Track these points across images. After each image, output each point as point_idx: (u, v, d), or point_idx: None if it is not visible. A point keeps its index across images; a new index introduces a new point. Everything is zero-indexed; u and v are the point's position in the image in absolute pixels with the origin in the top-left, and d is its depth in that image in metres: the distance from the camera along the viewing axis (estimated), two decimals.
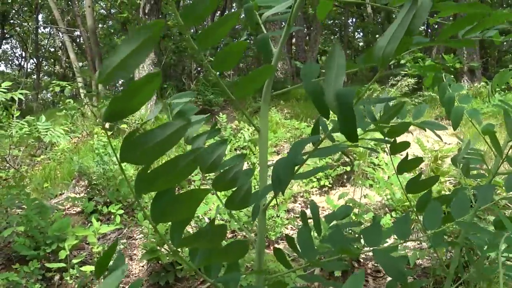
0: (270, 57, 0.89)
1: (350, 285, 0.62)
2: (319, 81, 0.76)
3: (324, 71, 0.70)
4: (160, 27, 0.51)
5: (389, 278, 3.22)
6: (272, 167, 0.74)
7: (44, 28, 22.37)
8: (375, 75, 0.80)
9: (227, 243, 0.65)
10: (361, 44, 21.34)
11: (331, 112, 0.68)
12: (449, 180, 4.52)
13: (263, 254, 0.83)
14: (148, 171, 0.57)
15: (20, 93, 5.42)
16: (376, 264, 3.43)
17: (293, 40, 16.39)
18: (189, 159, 0.55)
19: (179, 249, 0.67)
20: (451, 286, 1.55)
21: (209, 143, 0.95)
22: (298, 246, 0.84)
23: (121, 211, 4.10)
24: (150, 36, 0.51)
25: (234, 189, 0.79)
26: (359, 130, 1.09)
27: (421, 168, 4.81)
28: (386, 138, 1.05)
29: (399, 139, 1.12)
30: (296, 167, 0.75)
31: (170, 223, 0.66)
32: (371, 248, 0.81)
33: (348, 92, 0.63)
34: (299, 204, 4.73)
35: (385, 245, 0.88)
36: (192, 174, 4.84)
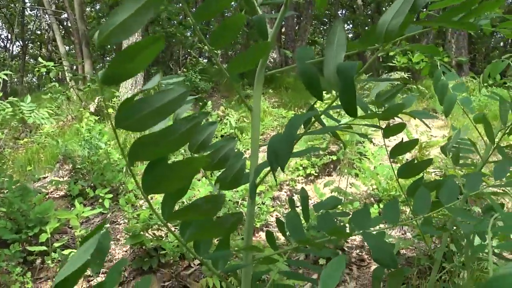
0: (266, 38, 0.86)
1: (330, 269, 0.61)
2: (312, 64, 0.73)
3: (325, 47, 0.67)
4: None
5: (372, 267, 3.24)
6: (266, 145, 0.71)
7: (31, 10, 21.98)
8: (365, 65, 0.78)
9: (219, 217, 0.63)
10: (350, 35, 21.35)
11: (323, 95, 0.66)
12: (435, 171, 4.55)
13: (251, 233, 0.81)
14: (143, 136, 0.55)
15: (5, 74, 5.30)
16: (360, 253, 3.44)
17: (283, 29, 16.33)
18: (185, 128, 0.53)
19: (169, 223, 0.65)
20: (436, 275, 1.55)
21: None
22: (287, 230, 0.81)
23: (110, 195, 4.06)
24: None
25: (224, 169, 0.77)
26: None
27: (406, 159, 4.84)
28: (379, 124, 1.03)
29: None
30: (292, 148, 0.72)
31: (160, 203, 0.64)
32: (361, 231, 0.79)
33: (350, 65, 0.60)
34: (285, 192, 4.72)
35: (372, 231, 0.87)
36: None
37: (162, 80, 1.03)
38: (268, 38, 0.85)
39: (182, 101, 0.51)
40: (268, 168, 0.70)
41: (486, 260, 2.32)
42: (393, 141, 4.67)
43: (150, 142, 0.53)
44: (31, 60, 23.74)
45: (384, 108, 1.06)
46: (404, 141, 1.09)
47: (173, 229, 1.16)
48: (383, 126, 1.11)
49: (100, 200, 4.15)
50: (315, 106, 0.72)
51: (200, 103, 7.08)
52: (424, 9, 0.86)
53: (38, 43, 24.16)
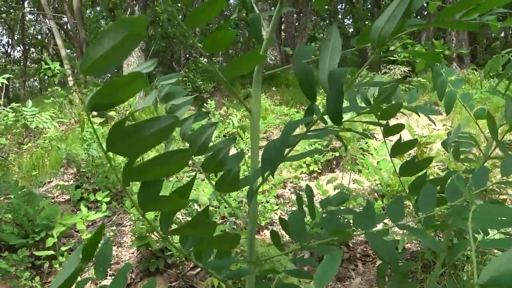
0: (261, 37, 0.87)
1: (325, 266, 0.62)
2: (308, 64, 0.74)
3: (319, 51, 0.68)
4: (143, 23, 0.48)
5: (377, 263, 3.24)
6: (263, 149, 0.72)
7: (31, 14, 22.00)
8: (365, 62, 0.79)
9: (219, 234, 0.64)
10: (351, 30, 21.30)
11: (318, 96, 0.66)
12: (437, 165, 4.54)
13: (254, 237, 0.82)
14: (138, 163, 0.56)
15: (3, 78, 5.31)
16: (365, 249, 3.45)
17: (282, 26, 16.30)
18: (181, 155, 0.54)
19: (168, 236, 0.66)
20: (440, 270, 1.55)
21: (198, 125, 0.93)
22: (290, 228, 0.82)
23: (108, 199, 4.07)
24: (132, 31, 0.47)
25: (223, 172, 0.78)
26: (352, 114, 1.08)
27: (410, 153, 4.84)
28: (380, 121, 1.04)
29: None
30: (288, 150, 0.73)
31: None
32: (363, 231, 0.80)
33: (340, 72, 0.61)
34: (289, 190, 4.73)
35: (375, 229, 0.87)
36: None
37: (159, 80, 1.04)
38: (263, 38, 0.86)
39: (172, 128, 0.51)
40: (266, 174, 0.71)
41: (489, 254, 2.33)
42: (396, 136, 4.65)
43: (140, 169, 0.55)
44: (33, 65, 23.75)
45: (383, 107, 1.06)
46: (403, 140, 1.10)
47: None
48: (384, 124, 1.11)
49: (105, 203, 4.17)
50: (316, 104, 0.72)
51: (201, 102, 7.09)
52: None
53: (39, 47, 24.17)
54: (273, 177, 0.83)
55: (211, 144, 0.88)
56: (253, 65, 0.70)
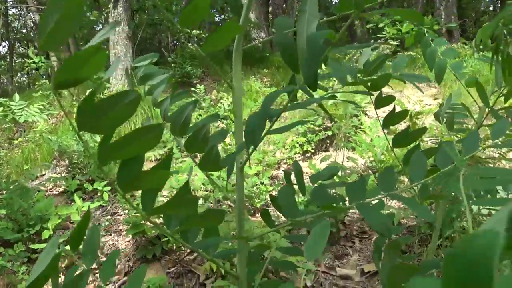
0: (239, 13, 0.84)
1: (314, 237, 0.60)
2: (290, 34, 0.71)
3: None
4: None
5: (374, 239, 3.25)
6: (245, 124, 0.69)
7: (14, 8, 21.65)
8: (354, 40, 0.76)
9: (203, 211, 0.62)
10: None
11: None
12: (431, 139, 4.54)
13: (242, 214, 0.79)
14: (112, 140, 0.53)
15: None
16: (361, 226, 3.45)
17: (270, 9, 16.16)
18: (156, 130, 0.51)
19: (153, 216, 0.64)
20: (437, 242, 1.55)
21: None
22: (279, 204, 0.80)
23: (109, 187, 4.05)
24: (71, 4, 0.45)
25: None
26: (340, 86, 1.05)
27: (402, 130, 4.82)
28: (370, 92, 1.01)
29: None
30: (273, 121, 0.71)
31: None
32: (355, 203, 0.78)
33: (317, 35, 0.58)
34: (283, 170, 4.71)
35: (370, 203, 0.85)
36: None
37: (135, 62, 1.01)
38: (242, 3, 0.82)
39: (137, 103, 0.49)
40: (250, 151, 0.68)
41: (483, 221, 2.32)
42: (387, 113, 4.63)
43: (115, 147, 0.52)
44: (20, 60, 23.45)
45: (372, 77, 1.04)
46: (395, 111, 1.08)
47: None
48: (374, 98, 1.09)
49: (99, 194, 4.15)
50: (297, 71, 0.70)
51: (192, 88, 7.04)
52: None
53: (25, 41, 23.84)
54: (255, 149, 0.82)
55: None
56: (231, 36, 0.67)
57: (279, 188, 4.00)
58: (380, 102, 1.11)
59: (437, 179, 0.74)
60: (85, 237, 0.76)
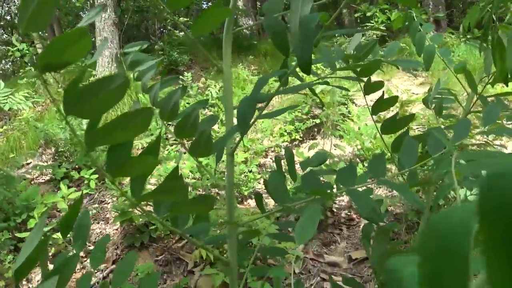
0: None
1: (305, 221, 0.60)
2: (279, 18, 0.70)
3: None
4: None
5: (362, 226, 3.28)
6: (237, 109, 0.68)
7: None
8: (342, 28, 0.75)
9: (193, 197, 0.61)
10: None
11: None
12: (418, 128, 4.56)
13: (232, 199, 0.79)
14: (99, 125, 0.52)
15: None
16: (349, 213, 3.47)
17: None
18: (145, 114, 0.50)
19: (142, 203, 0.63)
20: None
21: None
22: (269, 189, 0.80)
23: (96, 175, 4.02)
24: None
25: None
26: (329, 71, 1.04)
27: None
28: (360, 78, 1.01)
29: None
30: (264, 105, 0.70)
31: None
32: (345, 189, 0.78)
33: (311, 17, 0.57)
34: (270, 158, 4.72)
35: (358, 189, 0.85)
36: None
37: (125, 48, 0.99)
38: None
39: (126, 87, 0.48)
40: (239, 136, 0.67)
41: None
42: (376, 97, 4.64)
43: (103, 132, 0.51)
44: (3, 47, 23.07)
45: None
46: (384, 97, 1.07)
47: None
48: (363, 84, 1.09)
49: (86, 182, 4.11)
50: (288, 55, 0.68)
51: (180, 76, 6.98)
52: None
53: (9, 28, 23.43)
54: (245, 133, 0.82)
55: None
56: (221, 18, 0.66)
57: (266, 176, 4.00)
58: (370, 87, 1.10)
59: (431, 165, 0.74)
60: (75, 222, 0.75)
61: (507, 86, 0.92)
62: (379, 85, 1.10)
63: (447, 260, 0.20)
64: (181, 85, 0.91)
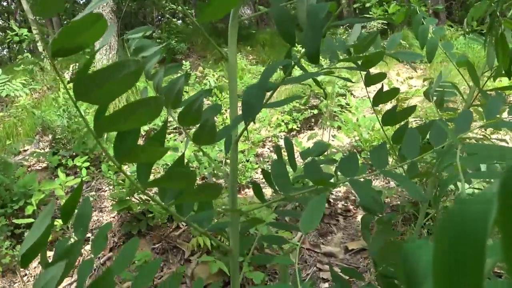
0: None
1: (310, 212, 0.60)
2: (286, 6, 0.70)
3: None
4: None
5: (358, 217, 3.29)
6: (242, 96, 0.69)
7: None
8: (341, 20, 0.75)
9: (199, 184, 0.61)
10: None
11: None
12: (415, 120, 4.58)
13: (235, 188, 0.79)
14: (108, 113, 0.52)
15: None
16: (345, 204, 3.49)
17: None
18: (156, 103, 0.50)
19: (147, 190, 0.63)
20: (423, 220, 1.57)
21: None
22: (272, 178, 0.80)
23: (87, 164, 4.02)
24: None
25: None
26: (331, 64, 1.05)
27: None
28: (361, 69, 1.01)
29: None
30: (268, 95, 0.70)
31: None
32: (347, 179, 0.79)
33: (320, 7, 0.58)
34: (268, 148, 4.73)
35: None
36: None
37: (129, 34, 0.99)
38: None
39: (139, 74, 0.48)
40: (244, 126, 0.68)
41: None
42: (374, 93, 4.65)
43: (112, 119, 0.51)
44: (0, 33, 22.86)
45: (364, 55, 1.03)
46: (385, 89, 1.07)
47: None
48: (364, 76, 1.09)
49: (79, 169, 4.12)
50: (292, 52, 0.69)
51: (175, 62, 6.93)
52: None
53: (5, 14, 23.22)
54: (253, 122, 0.82)
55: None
56: (230, 6, 0.66)
57: (264, 166, 4.02)
58: (371, 79, 1.10)
59: (434, 157, 0.75)
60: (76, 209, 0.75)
61: (509, 79, 0.93)
62: (381, 76, 1.10)
63: (464, 249, 0.21)
64: (182, 73, 0.91)
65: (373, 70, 1.07)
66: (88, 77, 0.48)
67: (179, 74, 0.95)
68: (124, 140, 0.57)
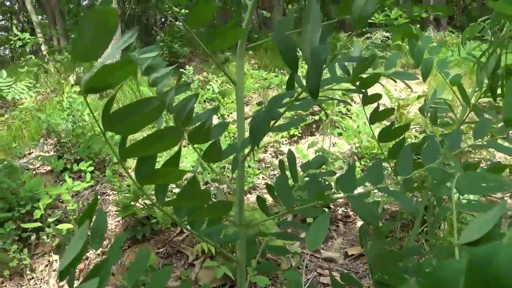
0: (244, 4, 0.89)
1: (316, 228, 0.67)
2: (291, 36, 0.77)
3: (301, 23, 0.71)
4: (114, 14, 0.50)
5: (358, 223, 3.34)
6: (249, 120, 0.76)
7: None
8: (342, 25, 0.81)
9: (212, 202, 0.68)
10: None
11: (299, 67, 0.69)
12: (415, 127, 4.64)
13: (243, 204, 0.86)
14: (133, 141, 0.59)
15: None
16: (346, 210, 3.55)
17: None
18: (173, 132, 0.57)
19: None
20: (419, 229, 1.64)
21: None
22: (276, 193, 0.87)
23: (91, 168, 4.08)
24: (105, 22, 0.50)
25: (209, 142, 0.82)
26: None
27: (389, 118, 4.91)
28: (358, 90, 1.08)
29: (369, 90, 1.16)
30: (275, 123, 0.77)
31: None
32: (345, 195, 0.85)
33: (321, 49, 0.64)
34: (270, 154, 4.80)
35: (357, 192, 0.93)
36: None
37: (139, 53, 1.06)
38: (247, 4, 0.88)
39: (162, 109, 0.54)
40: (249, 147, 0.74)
41: (465, 213, 2.43)
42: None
43: (135, 147, 0.58)
44: (2, 33, 22.98)
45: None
46: (380, 109, 1.14)
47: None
48: (362, 96, 1.16)
49: (83, 174, 4.18)
50: (297, 72, 0.75)
51: (182, 70, 7.02)
52: None
53: (9, 14, 23.33)
54: (258, 147, 0.88)
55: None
56: (236, 39, 0.73)
57: (266, 172, 4.07)
58: (367, 99, 1.17)
59: (432, 183, 0.81)
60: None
61: (494, 101, 0.99)
62: (377, 97, 1.17)
63: None
64: (193, 92, 0.98)
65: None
66: (116, 112, 0.55)
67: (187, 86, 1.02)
68: (145, 164, 0.64)
